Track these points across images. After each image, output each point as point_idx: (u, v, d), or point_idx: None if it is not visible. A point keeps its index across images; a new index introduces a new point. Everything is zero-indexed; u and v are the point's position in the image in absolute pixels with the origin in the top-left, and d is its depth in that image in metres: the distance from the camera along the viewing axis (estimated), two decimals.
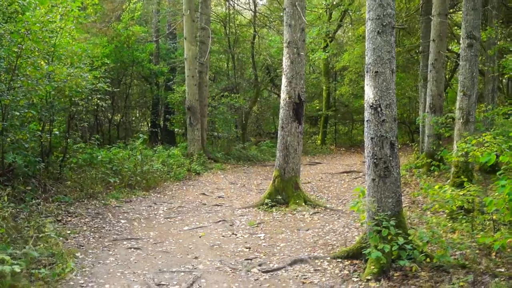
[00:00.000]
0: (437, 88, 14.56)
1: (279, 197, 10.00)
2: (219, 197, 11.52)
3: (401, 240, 5.65)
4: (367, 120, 6.40)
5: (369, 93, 6.34)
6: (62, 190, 10.89)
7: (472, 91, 8.98)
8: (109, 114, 18.81)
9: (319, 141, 24.03)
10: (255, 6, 19.80)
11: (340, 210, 9.92)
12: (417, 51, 21.20)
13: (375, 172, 6.28)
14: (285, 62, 10.17)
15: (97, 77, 12.39)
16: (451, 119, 14.42)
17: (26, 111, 9.56)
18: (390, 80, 6.28)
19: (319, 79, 25.11)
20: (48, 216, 8.68)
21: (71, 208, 9.59)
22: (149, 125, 21.17)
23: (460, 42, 9.18)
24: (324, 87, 24.56)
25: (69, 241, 7.45)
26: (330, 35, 23.59)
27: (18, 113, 9.35)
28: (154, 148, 14.90)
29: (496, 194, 4.82)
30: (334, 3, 23.07)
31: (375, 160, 6.27)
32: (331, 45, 23.37)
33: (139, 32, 17.28)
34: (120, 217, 9.17)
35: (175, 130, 20.85)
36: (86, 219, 8.82)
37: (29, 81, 9.65)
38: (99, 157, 12.67)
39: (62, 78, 11.36)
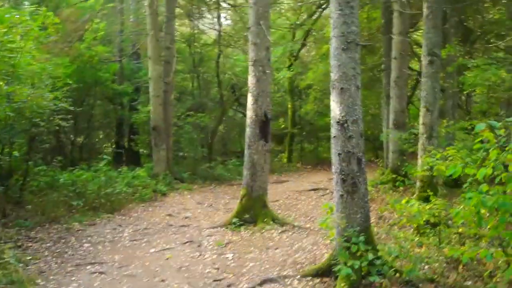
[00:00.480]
0: (399, 104, 14.80)
1: (247, 216, 9.89)
2: (186, 217, 11.33)
3: (370, 256, 5.61)
4: (334, 136, 6.40)
5: (336, 109, 6.34)
6: (22, 214, 10.53)
7: (434, 106, 9.13)
8: (71, 136, 18.37)
9: (285, 159, 24.02)
10: (220, 26, 19.81)
11: (308, 228, 9.87)
12: (379, 69, 21.63)
13: (343, 188, 6.26)
14: (251, 80, 10.15)
15: (58, 97, 12.14)
16: (413, 135, 14.66)
17: None
18: (355, 96, 6.30)
19: (284, 98, 25.21)
20: (7, 242, 8.36)
21: (32, 233, 9.26)
22: (114, 146, 20.77)
23: (422, 59, 9.35)
24: (289, 105, 24.64)
25: (29, 267, 7.17)
26: (294, 54, 23.77)
27: None
28: (119, 170, 14.59)
29: (462, 206, 4.83)
30: (298, 22, 23.32)
31: (342, 176, 6.25)
32: (295, 64, 23.55)
33: (102, 52, 17.01)
34: (84, 241, 8.88)
35: (140, 150, 20.54)
36: (48, 244, 8.52)
37: None
38: (61, 179, 12.34)
39: (22, 98, 11.09)
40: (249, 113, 10.17)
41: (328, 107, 24.24)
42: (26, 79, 11.43)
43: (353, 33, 6.30)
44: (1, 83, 10.06)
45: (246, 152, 10.20)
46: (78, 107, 17.46)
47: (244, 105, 24.01)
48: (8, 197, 11.14)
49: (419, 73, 19.70)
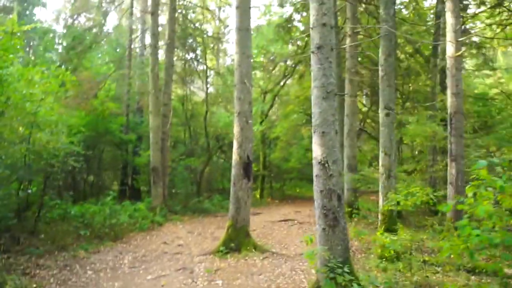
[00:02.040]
0: (351, 152, 14.13)
1: (232, 244, 8.72)
2: (179, 245, 10.05)
3: (356, 287, 4.58)
4: (316, 175, 5.45)
5: (317, 151, 5.43)
6: (35, 243, 9.13)
7: (391, 151, 8.34)
8: (84, 175, 16.97)
9: (258, 195, 22.91)
10: (207, 88, 19.04)
11: (284, 254, 8.75)
12: None
13: (325, 222, 5.27)
14: (236, 129, 9.23)
15: (73, 143, 11.04)
16: (362, 176, 13.86)
17: (0, 171, 7.92)
18: (335, 140, 5.43)
19: (257, 146, 24.33)
20: (16, 269, 7.01)
21: (41, 260, 7.90)
22: (119, 183, 19.36)
23: (379, 112, 8.62)
24: (261, 153, 23.79)
25: None
26: (265, 112, 23.14)
27: None
28: (122, 203, 13.26)
29: (449, 242, 3.89)
30: (268, 88, 22.86)
31: (324, 211, 5.28)
32: (265, 120, 22.89)
33: (113, 107, 16.00)
34: (88, 268, 7.56)
35: (141, 188, 19.16)
36: (54, 271, 7.19)
37: (7, 144, 8.19)
38: (72, 212, 11.00)
39: (41, 142, 9.95)
40: (234, 156, 9.19)
41: (291, 154, 23.54)
42: (44, 126, 10.28)
43: (332, 84, 5.50)
44: (20, 128, 8.88)
45: (232, 189, 9.13)
46: (90, 151, 16.33)
47: (225, 152, 23.18)
48: (24, 227, 9.77)
49: (360, 129, 19.54)
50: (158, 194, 14.44)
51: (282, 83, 22.79)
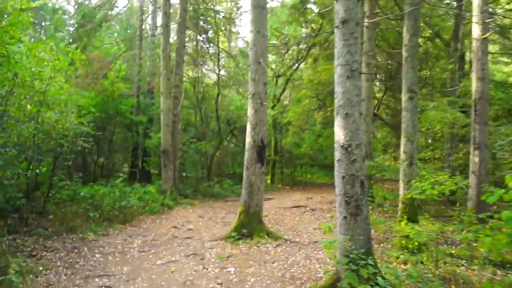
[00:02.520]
0: (367, 138, 13.64)
1: (245, 230, 8.43)
2: (189, 229, 9.81)
3: (381, 281, 4.24)
4: (338, 160, 5.07)
5: (340, 134, 5.04)
6: (43, 224, 8.93)
7: (414, 137, 7.90)
8: (94, 157, 16.79)
9: (269, 180, 22.60)
10: (219, 70, 18.56)
11: (298, 242, 8.44)
12: None
13: (347, 210, 4.91)
14: (250, 111, 8.85)
15: (83, 123, 10.78)
16: (376, 163, 13.44)
17: (8, 150, 7.66)
18: (359, 122, 5.02)
19: (269, 131, 23.95)
20: (23, 251, 6.80)
21: (49, 242, 7.69)
22: (129, 166, 19.15)
23: (402, 96, 8.16)
24: (272, 138, 23.40)
25: (39, 279, 5.62)
26: (277, 97, 22.67)
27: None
28: (132, 186, 13.03)
29: (489, 237, 3.51)
30: (280, 72, 22.37)
31: (346, 198, 4.91)
32: (277, 105, 22.43)
33: (123, 88, 15.66)
34: (96, 251, 7.33)
35: (151, 170, 18.93)
36: (61, 254, 6.97)
37: (14, 122, 7.92)
38: (81, 193, 10.79)
39: (51, 122, 9.71)
40: (248, 139, 8.83)
41: (302, 139, 23.13)
42: (53, 105, 10.02)
43: (357, 62, 5.07)
44: (28, 106, 8.61)
45: (244, 173, 8.80)
46: (100, 132, 16.08)
47: (237, 136, 22.80)
48: (33, 208, 9.59)
49: (375, 114, 18.97)
50: (169, 177, 14.19)
51: (295, 67, 22.31)
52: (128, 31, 19.84)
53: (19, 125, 8.45)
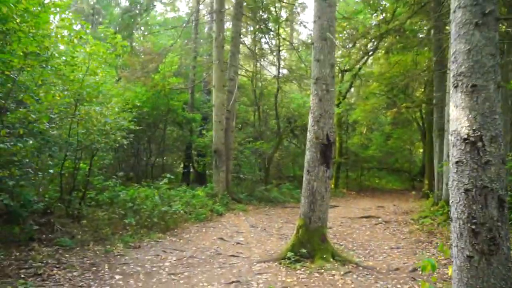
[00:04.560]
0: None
1: (304, 250, 6.59)
2: (237, 243, 8.14)
3: None
4: (457, 162, 3.09)
5: (461, 119, 3.06)
6: (72, 231, 7.73)
7: None
8: (147, 156, 15.76)
9: (333, 185, 20.48)
10: (279, 64, 16.72)
11: (373, 268, 6.44)
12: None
13: (474, 246, 2.92)
14: (313, 100, 7.00)
15: (126, 118, 9.63)
16: None
17: (23, 140, 6.43)
18: (494, 100, 3.00)
19: None
20: (30, 267, 5.50)
21: (67, 254, 6.40)
22: (183, 166, 17.99)
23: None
24: (337, 138, 21.23)
25: None
26: (343, 94, 20.50)
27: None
28: (178, 189, 11.66)
29: None
30: (346, 68, 20.17)
31: (473, 226, 2.92)
32: (343, 102, 20.26)
33: (175, 82, 14.42)
34: (117, 270, 5.87)
35: (206, 172, 17.61)
36: (74, 273, 5.57)
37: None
38: (121, 195, 9.52)
39: (92, 116, 8.61)
40: (309, 135, 6.98)
41: (370, 141, 20.72)
42: (91, 97, 8.88)
43: (491, 2, 3.06)
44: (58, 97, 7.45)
45: (304, 178, 6.96)
46: (152, 130, 15.05)
47: (298, 136, 20.89)
48: (69, 212, 8.49)
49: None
50: (220, 179, 12.71)
51: (363, 61, 20.00)
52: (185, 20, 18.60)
53: (55, 120, 7.37)
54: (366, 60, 20.30)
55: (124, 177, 12.73)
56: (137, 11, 12.70)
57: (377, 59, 19.18)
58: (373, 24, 17.97)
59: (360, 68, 19.93)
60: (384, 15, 17.42)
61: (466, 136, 3.02)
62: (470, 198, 2.98)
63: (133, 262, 6.30)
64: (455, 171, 3.11)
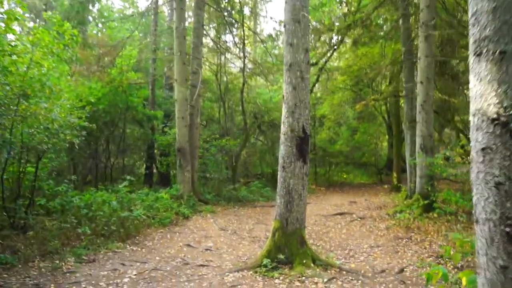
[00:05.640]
0: (427, 129, 10.99)
1: (281, 256, 5.91)
2: (207, 249, 7.38)
3: None
4: (483, 149, 2.46)
5: (487, 95, 2.43)
6: (15, 245, 6.70)
7: None
8: (104, 157, 14.61)
9: None
10: (245, 56, 15.96)
11: (357, 271, 5.86)
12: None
13: (510, 254, 2.30)
14: (286, 89, 6.34)
15: (81, 117, 8.65)
16: (447, 159, 10.74)
17: None
18: None
19: None
20: None
21: (5, 274, 5.39)
22: (145, 167, 16.89)
23: None
24: None
25: None
26: (309, 87, 20.04)
27: None
28: (138, 192, 10.72)
29: None
30: (312, 61, 19.71)
31: (508, 229, 2.30)
32: (310, 96, 19.79)
33: (134, 78, 13.37)
34: None
35: (171, 172, 16.63)
36: None
37: None
38: (73, 201, 8.49)
39: (37, 111, 7.59)
40: (284, 128, 6.31)
41: (339, 135, 20.42)
42: (34, 92, 7.82)
43: None
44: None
45: (279, 175, 6.29)
46: (110, 130, 13.95)
47: (265, 133, 20.30)
48: (12, 223, 7.42)
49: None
50: (186, 179, 11.85)
51: (329, 54, 19.60)
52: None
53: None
54: (332, 53, 19.95)
55: (81, 180, 11.65)
56: None
57: (343, 52, 18.83)
58: (339, 16, 17.62)
59: (326, 62, 19.55)
60: (348, 7, 17.08)
61: (495, 116, 2.40)
62: (503, 193, 2.36)
63: (85, 280, 5.40)
64: (480, 160, 2.49)
